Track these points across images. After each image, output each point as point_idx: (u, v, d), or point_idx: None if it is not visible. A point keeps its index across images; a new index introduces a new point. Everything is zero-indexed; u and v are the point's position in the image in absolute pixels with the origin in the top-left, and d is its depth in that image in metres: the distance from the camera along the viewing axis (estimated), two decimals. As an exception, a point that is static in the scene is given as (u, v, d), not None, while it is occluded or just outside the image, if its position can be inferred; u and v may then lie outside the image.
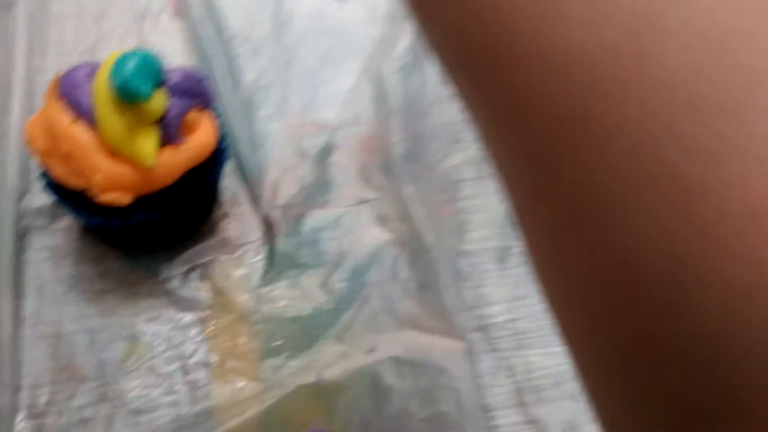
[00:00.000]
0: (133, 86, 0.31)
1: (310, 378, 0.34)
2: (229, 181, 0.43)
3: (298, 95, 0.47)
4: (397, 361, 0.35)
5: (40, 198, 0.40)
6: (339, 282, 0.39)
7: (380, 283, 0.38)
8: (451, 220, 0.41)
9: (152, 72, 0.33)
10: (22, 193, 0.40)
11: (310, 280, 0.38)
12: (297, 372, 0.35)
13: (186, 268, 0.39)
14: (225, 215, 0.41)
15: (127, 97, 0.32)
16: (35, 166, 0.42)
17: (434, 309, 0.38)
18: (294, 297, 0.38)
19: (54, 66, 0.47)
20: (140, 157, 0.32)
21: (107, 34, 0.49)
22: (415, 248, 0.39)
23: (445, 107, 0.46)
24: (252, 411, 0.33)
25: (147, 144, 0.33)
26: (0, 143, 0.42)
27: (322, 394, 0.33)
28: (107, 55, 0.46)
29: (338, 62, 0.49)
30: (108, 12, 0.50)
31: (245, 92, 0.47)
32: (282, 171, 0.43)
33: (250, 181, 0.42)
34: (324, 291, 0.38)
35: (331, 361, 0.35)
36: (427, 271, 0.39)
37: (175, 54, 0.47)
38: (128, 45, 0.48)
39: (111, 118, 0.32)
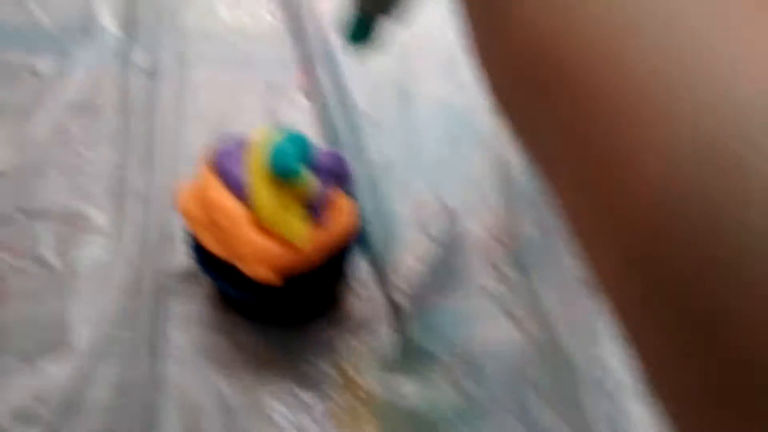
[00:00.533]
0: (293, 167, 0.32)
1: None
2: (355, 260, 0.43)
3: (422, 177, 0.48)
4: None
5: (179, 262, 0.42)
6: (470, 382, 0.38)
7: (513, 387, 0.37)
8: (585, 323, 0.40)
9: (306, 152, 0.34)
10: (165, 255, 0.42)
11: (440, 376, 0.38)
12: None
13: (317, 348, 0.39)
14: (352, 294, 0.41)
15: (286, 177, 0.33)
16: (176, 231, 0.43)
17: (574, 423, 0.36)
18: (423, 392, 0.37)
19: (189, 131, 0.49)
20: (294, 237, 0.33)
21: (239, 106, 0.50)
22: (549, 351, 0.38)
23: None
24: None
25: (299, 224, 0.33)
26: (144, 207, 0.43)
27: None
28: (238, 126, 0.48)
29: (463, 148, 0.49)
30: (240, 84, 0.51)
31: (370, 170, 0.47)
32: (409, 254, 0.43)
33: (377, 261, 0.43)
34: (455, 390, 0.37)
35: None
36: (565, 379, 0.37)
37: (301, 127, 0.49)
38: (258, 116, 0.50)
39: (266, 195, 0.33)
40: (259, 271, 0.34)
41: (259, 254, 0.33)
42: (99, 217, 0.43)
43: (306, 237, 0.33)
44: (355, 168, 0.47)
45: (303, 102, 0.51)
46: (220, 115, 0.50)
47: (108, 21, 0.53)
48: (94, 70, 0.52)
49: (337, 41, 0.52)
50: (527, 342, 0.39)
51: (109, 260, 0.41)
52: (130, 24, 0.53)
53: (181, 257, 0.42)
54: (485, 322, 0.40)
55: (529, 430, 0.36)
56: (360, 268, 0.43)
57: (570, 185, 0.15)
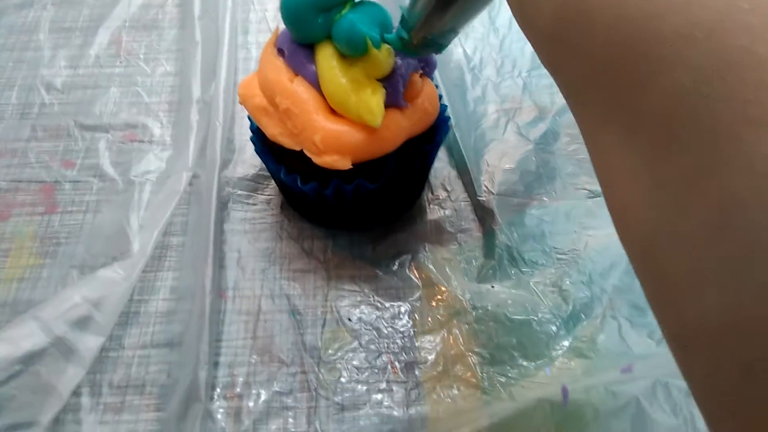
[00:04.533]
0: (361, 30, 0.27)
1: (551, 393, 0.27)
2: (438, 164, 0.38)
3: (512, 78, 0.42)
4: (665, 387, 0.27)
5: (242, 168, 0.38)
6: (575, 284, 0.32)
7: (626, 291, 0.31)
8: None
9: (380, 22, 0.29)
10: (225, 163, 0.38)
11: (539, 279, 0.32)
12: (529, 385, 0.28)
13: (394, 252, 0.34)
14: (435, 199, 0.36)
15: (354, 42, 0.28)
16: (237, 138, 0.40)
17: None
18: (520, 297, 0.32)
19: (254, 42, 0.46)
20: (366, 115, 0.28)
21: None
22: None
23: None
24: (477, 424, 0.27)
25: (373, 100, 0.28)
26: (207, 113, 0.40)
27: (569, 414, 0.27)
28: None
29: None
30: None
31: (456, 71, 0.42)
32: (500, 156, 0.37)
33: (463, 164, 0.37)
34: (557, 293, 0.32)
35: (575, 376, 0.28)
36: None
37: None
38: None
39: (335, 73, 0.28)
40: (328, 159, 0.29)
41: (327, 139, 0.29)
42: (158, 128, 0.41)
43: (378, 114, 0.28)
44: (442, 68, 0.42)
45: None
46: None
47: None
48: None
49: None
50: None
51: (168, 170, 0.38)
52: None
53: (244, 165, 0.38)
54: (592, 223, 0.34)
55: (649, 336, 0.30)
56: (445, 174, 0.38)
57: None
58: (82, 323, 0.31)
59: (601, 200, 0.35)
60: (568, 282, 0.32)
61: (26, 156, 0.40)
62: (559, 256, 0.33)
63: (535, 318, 0.31)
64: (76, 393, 0.30)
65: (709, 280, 0.12)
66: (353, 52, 0.28)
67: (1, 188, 0.38)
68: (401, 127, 0.30)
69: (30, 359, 0.30)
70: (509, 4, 0.16)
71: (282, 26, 0.32)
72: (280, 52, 0.31)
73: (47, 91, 0.43)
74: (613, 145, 0.14)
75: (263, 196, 0.37)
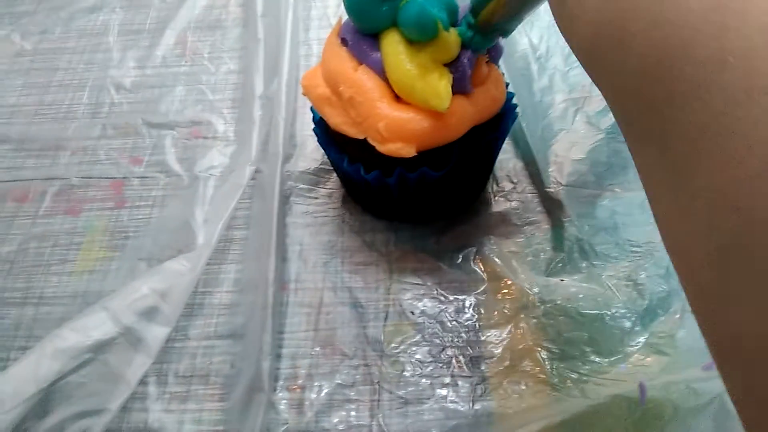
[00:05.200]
0: (430, 12, 0.27)
1: (627, 390, 0.26)
2: (504, 156, 0.37)
3: (580, 66, 0.41)
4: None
5: (304, 162, 0.38)
6: (651, 278, 0.30)
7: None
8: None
9: (447, 4, 0.28)
10: (287, 157, 0.38)
11: (612, 273, 0.31)
12: (603, 382, 0.27)
13: (458, 245, 0.33)
14: (501, 191, 0.35)
15: (424, 25, 0.27)
16: (299, 133, 0.40)
17: None
18: (592, 291, 0.30)
19: (315, 38, 0.46)
20: (433, 99, 0.27)
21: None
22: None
23: None
24: (549, 421, 0.26)
25: (441, 84, 0.27)
26: (269, 108, 0.40)
27: (647, 412, 0.25)
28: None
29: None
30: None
31: (522, 62, 0.41)
32: (569, 146, 0.36)
33: (530, 155, 0.36)
34: (632, 288, 0.30)
35: (652, 373, 0.27)
36: None
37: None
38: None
39: (401, 58, 0.28)
40: (392, 146, 0.28)
41: (391, 127, 0.28)
42: (222, 124, 0.41)
43: (446, 98, 0.27)
44: (510, 60, 0.41)
45: None
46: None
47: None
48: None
49: None
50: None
51: (231, 165, 0.38)
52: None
53: (306, 159, 0.38)
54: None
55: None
56: (510, 165, 0.36)
57: None
58: (149, 314, 0.32)
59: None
60: (643, 275, 0.30)
61: (97, 153, 0.41)
62: (634, 248, 0.32)
63: (608, 313, 0.29)
64: (143, 382, 0.30)
65: (737, 299, 0.12)
66: (423, 36, 0.27)
67: (74, 184, 0.39)
68: (467, 113, 0.29)
69: (99, 348, 0.30)
70: (555, 19, 0.17)
71: (345, 17, 0.32)
72: (344, 41, 0.30)
73: (116, 91, 0.44)
74: (651, 160, 0.14)
75: (325, 190, 0.37)
